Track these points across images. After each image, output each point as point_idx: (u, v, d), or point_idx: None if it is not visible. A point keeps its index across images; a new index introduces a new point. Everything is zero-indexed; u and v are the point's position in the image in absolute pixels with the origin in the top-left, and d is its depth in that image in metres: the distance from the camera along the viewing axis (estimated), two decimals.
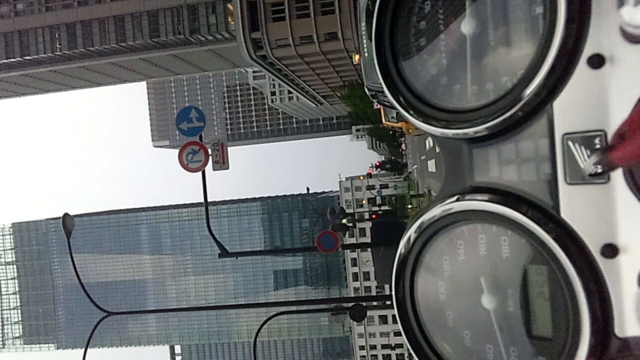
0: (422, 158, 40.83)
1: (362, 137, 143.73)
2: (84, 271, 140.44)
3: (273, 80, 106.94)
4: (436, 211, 1.34)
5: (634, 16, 1.02)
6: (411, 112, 1.39)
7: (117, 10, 68.60)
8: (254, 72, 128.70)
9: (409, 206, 63.22)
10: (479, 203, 1.27)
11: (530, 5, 1.19)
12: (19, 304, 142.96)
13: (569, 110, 1.17)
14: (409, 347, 1.41)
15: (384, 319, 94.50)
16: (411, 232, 1.39)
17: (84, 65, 74.92)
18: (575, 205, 1.18)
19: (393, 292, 1.42)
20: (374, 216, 39.29)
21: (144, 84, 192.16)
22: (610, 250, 1.12)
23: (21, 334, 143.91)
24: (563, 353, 1.17)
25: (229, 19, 64.35)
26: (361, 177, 72.73)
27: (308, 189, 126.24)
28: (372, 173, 58.68)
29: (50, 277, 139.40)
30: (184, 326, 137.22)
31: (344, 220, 27.74)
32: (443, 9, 1.34)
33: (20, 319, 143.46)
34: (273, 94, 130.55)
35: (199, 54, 74.17)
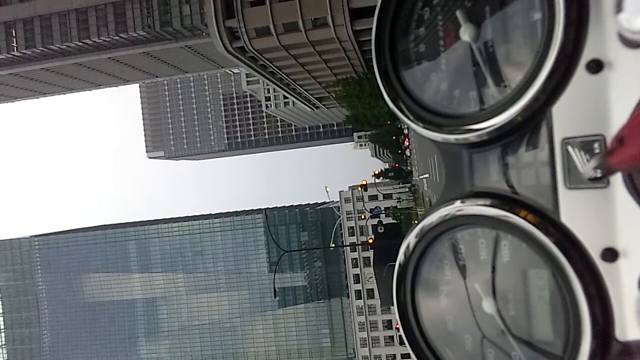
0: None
1: (365, 145, 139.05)
2: (71, 291, 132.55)
3: (267, 85, 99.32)
4: (436, 216, 1.34)
5: (632, 22, 1.02)
6: (412, 118, 1.39)
7: (79, 3, 60.31)
8: (247, 75, 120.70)
9: (416, 222, 54.67)
10: (479, 208, 1.27)
11: (528, 11, 1.19)
12: (2, 327, 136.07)
13: (568, 115, 1.17)
14: (411, 350, 1.42)
15: (390, 339, 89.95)
16: (411, 238, 1.39)
17: (46, 67, 66.61)
18: (575, 209, 1.18)
19: (394, 296, 1.42)
20: (370, 241, 32.60)
21: (137, 93, 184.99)
22: (611, 254, 1.12)
23: (6, 358, 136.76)
24: (564, 356, 1.17)
25: (205, 9, 55.84)
26: (358, 188, 64.19)
27: (310, 204, 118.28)
28: (368, 184, 50.29)
29: (35, 297, 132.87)
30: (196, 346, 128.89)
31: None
32: (442, 16, 1.34)
33: (4, 342, 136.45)
34: (267, 99, 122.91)
35: (175, 51, 65.90)
